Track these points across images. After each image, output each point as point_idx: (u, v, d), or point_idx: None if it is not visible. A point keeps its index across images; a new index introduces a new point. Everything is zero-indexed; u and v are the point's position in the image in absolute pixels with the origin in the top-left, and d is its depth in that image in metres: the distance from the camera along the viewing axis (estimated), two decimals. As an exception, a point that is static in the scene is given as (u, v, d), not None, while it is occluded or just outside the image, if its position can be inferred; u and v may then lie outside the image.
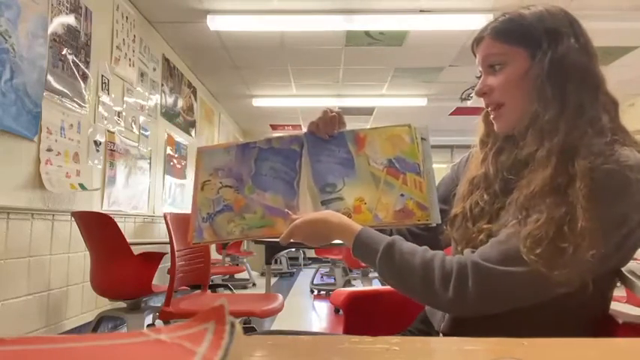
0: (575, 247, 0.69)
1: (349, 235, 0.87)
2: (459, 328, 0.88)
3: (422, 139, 0.99)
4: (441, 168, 1.07)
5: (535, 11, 0.85)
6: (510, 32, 0.85)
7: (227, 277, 5.58)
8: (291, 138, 1.03)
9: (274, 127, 8.34)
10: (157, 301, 2.86)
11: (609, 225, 0.71)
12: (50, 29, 2.69)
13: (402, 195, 0.95)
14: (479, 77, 0.91)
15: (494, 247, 0.76)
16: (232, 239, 1.02)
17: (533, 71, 0.82)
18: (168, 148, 4.78)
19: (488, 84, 0.88)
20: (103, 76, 3.35)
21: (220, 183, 1.03)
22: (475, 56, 0.91)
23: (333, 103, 6.50)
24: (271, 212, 0.99)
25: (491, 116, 0.90)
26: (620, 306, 0.83)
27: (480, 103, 0.93)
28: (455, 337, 0.80)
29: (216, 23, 4.04)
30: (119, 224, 2.56)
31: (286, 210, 0.97)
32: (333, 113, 0.99)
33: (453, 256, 0.79)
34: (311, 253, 7.83)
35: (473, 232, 0.86)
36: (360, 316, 1.21)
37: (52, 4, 2.70)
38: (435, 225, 0.93)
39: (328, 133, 1.00)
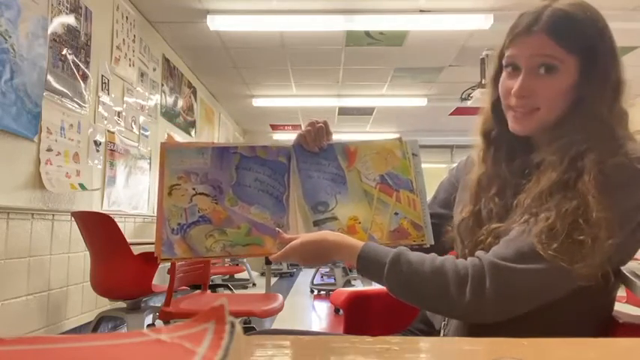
0: (594, 238, 0.68)
1: (351, 253, 0.82)
2: (461, 329, 0.86)
3: (413, 154, 0.97)
4: (440, 168, 1.05)
5: (585, 7, 0.78)
6: (568, 34, 0.77)
7: (227, 277, 5.58)
8: (278, 149, 0.96)
9: (274, 127, 8.34)
10: (157, 301, 2.86)
11: (622, 216, 0.71)
12: (50, 29, 2.69)
13: (396, 214, 0.93)
14: (506, 67, 0.82)
15: (508, 245, 0.73)
16: (211, 257, 0.92)
17: (581, 86, 0.77)
18: (169, 148, 4.78)
19: (531, 87, 0.79)
20: (103, 76, 3.35)
21: (194, 189, 0.91)
22: (507, 46, 0.82)
23: (333, 103, 6.50)
24: (259, 229, 0.91)
25: (515, 114, 0.82)
26: (620, 306, 0.83)
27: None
28: (455, 337, 0.80)
29: (216, 23, 4.04)
30: (119, 224, 2.57)
31: (276, 228, 0.91)
32: (320, 124, 0.96)
33: (464, 259, 0.76)
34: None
35: (482, 234, 0.83)
36: (360, 316, 1.21)
37: (52, 4, 2.70)
38: (428, 246, 0.92)
39: (317, 145, 0.96)
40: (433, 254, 0.79)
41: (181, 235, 0.88)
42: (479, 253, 0.76)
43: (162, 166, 0.91)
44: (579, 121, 0.78)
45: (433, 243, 0.92)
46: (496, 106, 0.87)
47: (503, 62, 0.84)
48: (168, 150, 0.92)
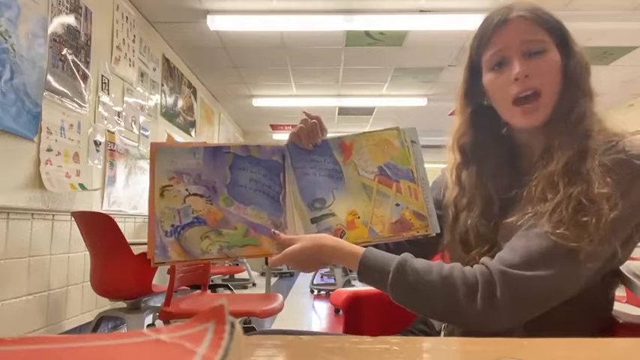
0: (598, 216, 0.69)
1: (352, 259, 0.80)
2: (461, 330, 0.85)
3: (412, 142, 0.94)
4: (440, 168, 1.04)
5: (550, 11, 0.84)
6: (547, 20, 0.81)
7: (227, 277, 5.58)
8: (272, 148, 0.94)
9: (274, 127, 8.34)
10: (157, 301, 2.86)
11: (625, 211, 0.71)
12: (50, 29, 2.69)
13: (397, 205, 0.90)
14: (491, 70, 0.84)
15: (512, 250, 0.73)
16: (208, 259, 0.89)
17: (565, 67, 0.81)
18: (168, 148, 4.78)
19: (530, 68, 0.79)
20: (103, 76, 3.35)
21: (187, 190, 0.88)
22: (483, 50, 0.85)
23: (333, 103, 6.50)
24: (256, 230, 0.89)
25: (521, 109, 0.81)
26: (620, 306, 0.83)
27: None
28: (455, 337, 0.80)
29: (216, 23, 4.04)
30: (119, 224, 2.56)
31: (272, 230, 0.89)
32: (313, 120, 0.93)
33: (471, 267, 0.75)
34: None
35: (472, 258, 0.83)
36: (360, 316, 1.21)
37: (52, 4, 2.70)
38: (434, 235, 0.90)
39: (312, 142, 0.94)
40: (440, 262, 0.78)
41: (175, 238, 0.86)
42: (485, 259, 0.76)
43: (152, 166, 0.88)
44: (581, 110, 0.79)
45: (439, 231, 0.90)
46: (478, 113, 0.89)
47: (485, 67, 0.86)
48: (159, 149, 0.89)
